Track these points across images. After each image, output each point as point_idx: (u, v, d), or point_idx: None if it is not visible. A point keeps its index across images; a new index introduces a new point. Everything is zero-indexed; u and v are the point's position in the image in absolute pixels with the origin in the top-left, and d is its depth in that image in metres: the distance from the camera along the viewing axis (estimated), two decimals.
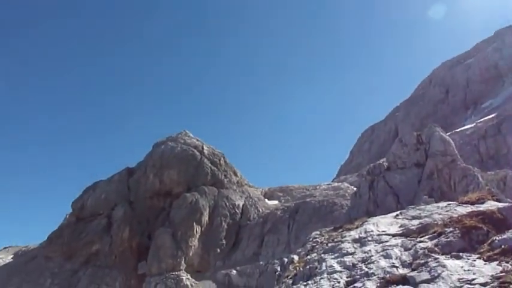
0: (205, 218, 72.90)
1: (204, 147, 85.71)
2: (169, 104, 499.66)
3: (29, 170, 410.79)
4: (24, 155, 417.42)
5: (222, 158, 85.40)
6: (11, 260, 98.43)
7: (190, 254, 68.50)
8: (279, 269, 47.14)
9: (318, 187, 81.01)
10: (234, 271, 63.20)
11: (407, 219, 22.23)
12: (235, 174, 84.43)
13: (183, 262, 67.23)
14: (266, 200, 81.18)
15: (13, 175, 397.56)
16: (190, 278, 65.09)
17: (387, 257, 17.50)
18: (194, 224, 71.30)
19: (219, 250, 69.36)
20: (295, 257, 27.32)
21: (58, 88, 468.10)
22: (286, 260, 28.50)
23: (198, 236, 70.74)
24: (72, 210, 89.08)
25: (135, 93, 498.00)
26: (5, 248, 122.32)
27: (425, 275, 14.71)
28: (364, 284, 15.97)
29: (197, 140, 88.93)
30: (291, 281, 21.29)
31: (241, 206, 76.05)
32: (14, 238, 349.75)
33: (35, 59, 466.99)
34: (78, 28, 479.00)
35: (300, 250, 28.61)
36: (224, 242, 70.39)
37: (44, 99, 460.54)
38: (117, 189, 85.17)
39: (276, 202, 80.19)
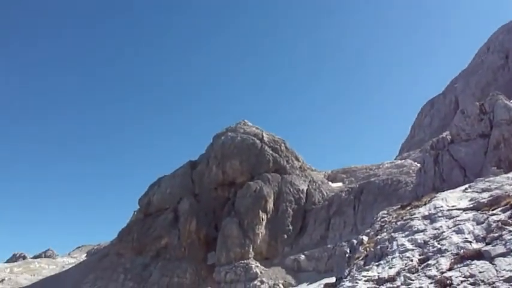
0: (270, 205, 73.12)
1: (264, 135, 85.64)
2: (226, 94, 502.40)
3: (96, 172, 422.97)
4: (92, 160, 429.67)
5: (282, 144, 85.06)
6: (85, 258, 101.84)
7: (258, 242, 68.93)
8: (348, 250, 46.85)
9: (381, 166, 79.85)
10: (302, 256, 63.28)
11: (476, 192, 21.59)
12: (297, 159, 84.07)
13: (251, 250, 67.75)
14: (330, 182, 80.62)
15: (83, 179, 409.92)
16: (259, 265, 65.52)
17: (459, 232, 16.95)
18: (260, 211, 71.63)
19: (286, 236, 69.50)
20: (365, 238, 26.89)
21: (120, 89, 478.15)
22: (355, 241, 28.09)
23: (264, 223, 71.08)
24: (139, 207, 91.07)
25: (193, 87, 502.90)
26: (78, 247, 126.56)
27: (500, 249, 14.16)
28: (437, 261, 15.55)
29: (256, 128, 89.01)
30: (362, 262, 20.86)
31: (305, 190, 75.79)
32: (86, 237, 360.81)
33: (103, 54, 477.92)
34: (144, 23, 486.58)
35: (368, 231, 28.22)
36: (291, 227, 70.44)
37: (106, 104, 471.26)
38: (181, 183, 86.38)
39: (339, 184, 79.57)
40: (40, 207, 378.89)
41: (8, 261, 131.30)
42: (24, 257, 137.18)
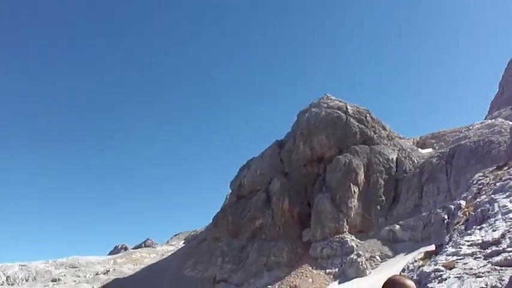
0: (361, 177, 73.75)
1: (348, 107, 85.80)
2: (305, 70, 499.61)
3: (186, 158, 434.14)
4: (181, 147, 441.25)
5: (368, 115, 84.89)
6: (183, 245, 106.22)
7: (352, 215, 69.89)
8: (446, 217, 46.83)
9: (471, 127, 78.30)
10: (397, 226, 63.75)
11: None
12: (384, 129, 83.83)
13: (345, 224, 68.86)
14: (419, 149, 79.94)
15: (174, 166, 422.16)
16: (354, 239, 66.57)
17: None
18: (351, 185, 72.45)
19: (379, 207, 70.04)
20: (462, 202, 26.97)
21: (205, 72, 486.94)
22: (452, 207, 28.28)
23: (356, 196, 71.86)
24: (231, 190, 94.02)
25: (273, 67, 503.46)
26: (175, 235, 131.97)
27: None
28: None
29: (340, 101, 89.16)
30: (463, 227, 21.18)
31: (395, 159, 75.76)
32: (183, 225, 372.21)
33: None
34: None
35: (465, 195, 28.21)
36: (383, 198, 70.85)
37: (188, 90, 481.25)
38: (270, 163, 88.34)
39: (429, 150, 78.88)
40: (137, 199, 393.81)
41: (111, 253, 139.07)
42: (125, 248, 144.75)
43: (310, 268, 65.32)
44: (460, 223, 22.08)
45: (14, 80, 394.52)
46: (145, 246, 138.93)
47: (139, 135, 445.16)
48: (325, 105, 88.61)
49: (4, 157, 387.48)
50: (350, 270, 61.98)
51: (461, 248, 17.66)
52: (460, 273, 15.81)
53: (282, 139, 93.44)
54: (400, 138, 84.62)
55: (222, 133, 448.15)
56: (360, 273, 60.73)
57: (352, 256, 63.46)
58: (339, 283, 60.29)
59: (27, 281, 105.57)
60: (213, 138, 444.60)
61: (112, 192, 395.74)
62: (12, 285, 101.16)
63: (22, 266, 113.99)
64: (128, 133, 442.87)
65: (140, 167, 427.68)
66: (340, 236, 67.33)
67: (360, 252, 63.50)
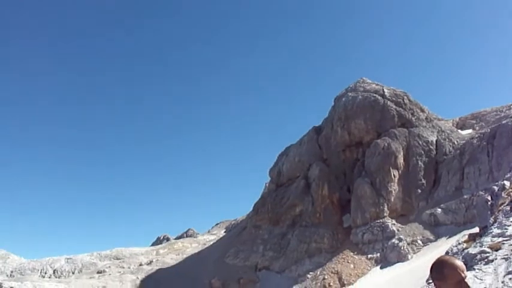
0: (401, 160, 73.55)
1: (385, 90, 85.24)
2: (338, 54, 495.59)
3: (227, 147, 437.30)
4: (220, 136, 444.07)
5: (405, 97, 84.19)
6: (224, 234, 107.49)
7: (392, 200, 69.82)
8: (489, 198, 46.60)
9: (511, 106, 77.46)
10: (439, 209, 63.51)
11: None
12: (422, 111, 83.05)
13: (385, 209, 68.86)
14: (459, 130, 79.00)
15: (212, 157, 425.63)
16: (395, 223, 66.62)
17: None
18: (390, 168, 72.36)
19: (419, 191, 69.79)
20: (506, 183, 26.83)
21: (237, 59, 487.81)
22: (496, 188, 28.24)
23: (396, 180, 71.73)
24: (270, 178, 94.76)
25: (306, 52, 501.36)
26: (216, 224, 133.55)
27: None
28: None
29: (376, 85, 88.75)
30: (508, 208, 21.23)
31: (434, 141, 75.20)
32: (223, 214, 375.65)
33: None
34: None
35: (508, 175, 28.03)
36: (423, 181, 70.54)
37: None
38: (308, 149, 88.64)
39: (469, 131, 77.91)
40: (177, 190, 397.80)
41: (153, 244, 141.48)
42: (167, 239, 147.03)
43: (352, 254, 65.67)
44: (505, 204, 22.05)
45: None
46: (187, 236, 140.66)
47: (179, 125, 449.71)
48: (362, 89, 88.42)
49: (48, 149, 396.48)
50: (391, 255, 62.18)
51: (507, 229, 17.89)
52: (507, 254, 16.06)
53: (320, 125, 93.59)
54: (439, 119, 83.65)
55: (261, 121, 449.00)
56: (402, 257, 60.86)
57: (393, 241, 63.61)
58: (381, 268, 60.58)
59: (73, 273, 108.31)
60: (251, 127, 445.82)
61: (153, 184, 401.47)
62: (59, 277, 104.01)
63: (68, 259, 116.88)
64: (169, 122, 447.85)
65: (178, 157, 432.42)
66: (381, 220, 67.47)
67: (401, 236, 63.57)
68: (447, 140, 74.59)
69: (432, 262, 4.86)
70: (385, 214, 68.29)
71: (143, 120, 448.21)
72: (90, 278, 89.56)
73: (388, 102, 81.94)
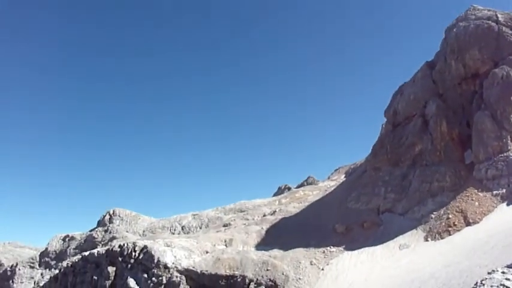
0: None
1: (499, 15, 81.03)
2: None
3: (339, 92, 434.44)
4: (333, 83, 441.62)
5: None
6: (344, 179, 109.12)
7: None
8: None
9: None
10: None
11: None
12: None
13: (509, 142, 66.80)
14: None
15: (330, 103, 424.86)
16: None
17: None
18: (511, 98, 70.36)
19: None
20: None
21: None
22: None
23: None
24: (386, 119, 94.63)
25: None
26: (336, 170, 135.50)
27: None
28: None
29: (488, 10, 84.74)
30: None
31: None
32: (342, 159, 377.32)
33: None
34: None
35: None
36: None
37: None
38: (422, 86, 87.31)
39: None
40: (295, 138, 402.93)
41: (275, 195, 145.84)
42: (289, 188, 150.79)
43: (476, 191, 64.74)
44: None
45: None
46: (307, 184, 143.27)
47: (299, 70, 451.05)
48: (473, 17, 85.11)
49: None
50: None
51: None
52: None
53: (432, 59, 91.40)
54: None
55: (374, 60, 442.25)
56: None
57: None
58: (507, 205, 59.42)
59: (200, 228, 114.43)
60: (363, 69, 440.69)
61: (272, 134, 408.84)
62: (187, 233, 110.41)
63: (194, 215, 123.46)
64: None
65: (299, 107, 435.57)
66: (505, 154, 65.87)
67: None
68: None
69: None
70: (509, 148, 66.37)
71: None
72: (217, 231, 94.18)
73: (503, 28, 78.37)
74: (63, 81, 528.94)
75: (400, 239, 63.60)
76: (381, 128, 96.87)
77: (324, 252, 63.74)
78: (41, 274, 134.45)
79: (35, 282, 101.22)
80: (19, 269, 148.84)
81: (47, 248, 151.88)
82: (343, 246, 65.64)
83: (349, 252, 62.93)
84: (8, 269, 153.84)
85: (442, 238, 59.45)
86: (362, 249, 62.91)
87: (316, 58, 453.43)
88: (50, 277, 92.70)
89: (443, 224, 61.86)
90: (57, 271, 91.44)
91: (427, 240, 60.85)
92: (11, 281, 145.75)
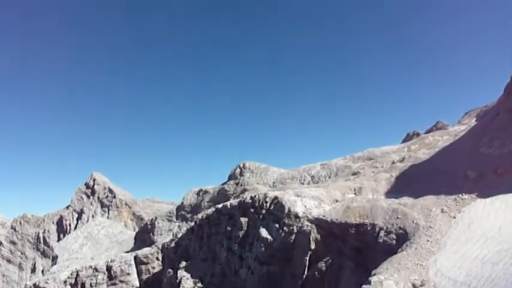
0: None
1: None
2: None
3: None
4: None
5: None
6: (475, 122, 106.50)
7: None
8: None
9: None
10: None
11: None
12: None
13: None
14: None
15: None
16: None
17: None
18: None
19: None
20: None
21: None
22: None
23: None
24: None
25: None
26: (466, 113, 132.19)
27: None
28: None
29: None
30: None
31: None
32: (472, 101, 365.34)
33: None
34: None
35: None
36: None
37: None
38: None
39: None
40: (423, 81, 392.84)
41: (403, 141, 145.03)
42: (417, 134, 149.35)
43: None
44: None
45: None
46: (437, 129, 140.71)
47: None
48: None
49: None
50: None
51: None
52: None
53: None
54: None
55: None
56: None
57: None
58: None
59: (329, 177, 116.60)
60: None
61: (397, 79, 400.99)
62: (316, 183, 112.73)
63: (323, 164, 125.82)
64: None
65: (426, 52, 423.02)
66: None
67: None
68: None
69: None
70: None
71: None
72: (346, 180, 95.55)
73: None
74: None
75: None
76: None
77: (455, 199, 63.31)
78: (178, 226, 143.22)
79: (173, 234, 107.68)
80: (158, 223, 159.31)
81: (182, 202, 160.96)
82: (476, 194, 64.72)
83: (482, 199, 61.93)
84: (148, 222, 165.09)
85: None
86: (496, 196, 61.69)
87: None
88: (187, 229, 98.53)
89: None
90: (193, 223, 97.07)
91: None
92: (151, 234, 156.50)
